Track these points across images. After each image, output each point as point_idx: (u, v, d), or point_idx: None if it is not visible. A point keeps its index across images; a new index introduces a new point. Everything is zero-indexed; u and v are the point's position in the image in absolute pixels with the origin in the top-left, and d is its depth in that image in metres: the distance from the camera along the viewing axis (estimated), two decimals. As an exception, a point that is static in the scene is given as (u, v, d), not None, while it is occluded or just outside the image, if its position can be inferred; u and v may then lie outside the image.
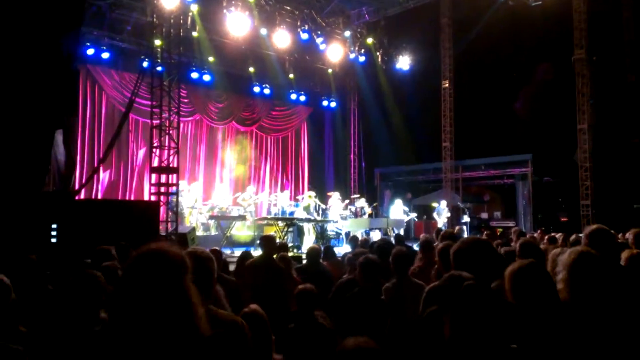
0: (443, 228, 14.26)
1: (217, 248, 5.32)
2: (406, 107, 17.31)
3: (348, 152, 19.15)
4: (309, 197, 13.31)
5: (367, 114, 18.62)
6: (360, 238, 8.54)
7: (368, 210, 14.37)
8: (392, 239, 8.17)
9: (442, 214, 14.85)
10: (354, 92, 19.03)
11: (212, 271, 2.22)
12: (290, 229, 12.06)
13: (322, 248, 6.22)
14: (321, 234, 12.66)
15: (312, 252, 5.55)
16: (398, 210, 14.56)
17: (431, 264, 4.20)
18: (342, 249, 11.08)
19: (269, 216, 12.66)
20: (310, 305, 3.37)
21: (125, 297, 1.57)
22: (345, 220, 13.60)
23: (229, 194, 14.32)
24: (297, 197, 14.74)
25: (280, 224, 11.57)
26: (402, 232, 13.38)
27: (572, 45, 13.82)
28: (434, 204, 15.33)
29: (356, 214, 14.38)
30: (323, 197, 14.74)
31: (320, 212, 13.55)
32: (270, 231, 11.68)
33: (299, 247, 11.65)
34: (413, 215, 15.27)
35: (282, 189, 16.40)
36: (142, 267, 1.61)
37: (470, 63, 16.33)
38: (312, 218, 12.79)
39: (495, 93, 16.81)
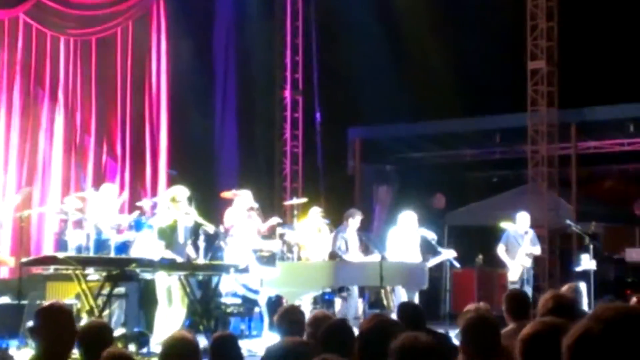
0: (525, 285, 14.92)
1: None
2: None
3: (278, 81, 19.61)
4: (172, 203, 13.21)
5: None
6: (308, 314, 8.81)
7: (330, 236, 14.84)
8: (394, 316, 8.46)
9: (515, 248, 15.57)
10: None
11: None
12: (121, 289, 12.27)
13: (210, 343, 6.70)
14: (204, 304, 12.75)
15: (176, 353, 5.73)
16: (410, 239, 15.05)
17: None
18: (261, 343, 11.30)
19: (61, 254, 12.34)
20: None
21: None
22: (269, 264, 13.95)
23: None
24: (138, 204, 15.12)
25: (92, 275, 11.71)
26: (417, 299, 13.67)
27: None
28: (503, 224, 15.99)
29: (294, 252, 14.62)
30: (211, 204, 15.13)
31: (204, 242, 13.43)
32: (66, 295, 11.75)
33: (143, 339, 11.76)
34: (449, 252, 15.75)
35: (98, 181, 16.24)
36: None
37: None
38: (181, 260, 12.78)
39: None
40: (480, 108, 18.88)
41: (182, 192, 13.25)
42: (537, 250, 15.78)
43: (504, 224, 15.89)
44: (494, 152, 20.26)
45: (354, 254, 14.81)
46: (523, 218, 15.65)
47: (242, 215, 14.30)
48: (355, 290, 14.71)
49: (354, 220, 15.02)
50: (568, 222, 16.82)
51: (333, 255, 14.36)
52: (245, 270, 13.31)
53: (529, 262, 15.50)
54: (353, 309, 14.68)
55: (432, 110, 19.13)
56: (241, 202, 14.41)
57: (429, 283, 14.95)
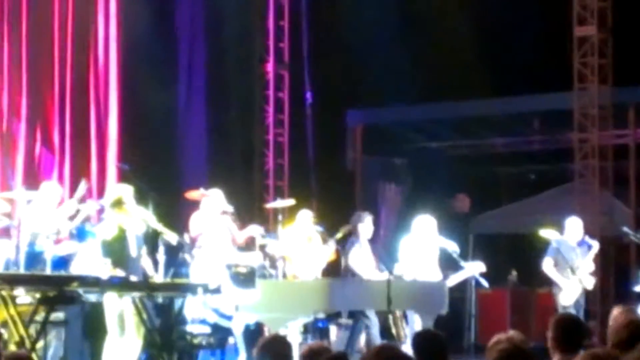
0: (577, 311, 14.94)
1: None
2: None
3: (258, 51, 19.93)
4: (116, 209, 13.18)
5: None
6: (296, 346, 9.10)
7: (329, 249, 15.14)
8: (407, 348, 8.70)
9: (565, 264, 15.53)
10: None
11: None
12: (60, 315, 12.42)
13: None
14: (164, 334, 12.72)
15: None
16: (426, 252, 15.19)
17: None
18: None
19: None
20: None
21: None
22: (246, 283, 14.06)
23: None
24: (78, 198, 14.80)
25: (23, 297, 11.73)
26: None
27: None
28: (543, 232, 16.00)
29: (278, 267, 14.62)
30: (174, 206, 15.40)
31: (164, 256, 13.44)
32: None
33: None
34: (474, 267, 15.75)
35: (30, 178, 16.43)
36: None
37: None
38: (135, 279, 12.70)
39: None
40: (513, 86, 18.90)
41: (126, 191, 13.22)
42: (588, 265, 15.67)
43: (544, 232, 15.78)
44: (532, 142, 20.41)
45: (370, 271, 14.83)
46: (574, 225, 15.63)
47: (213, 221, 14.30)
48: (373, 315, 14.48)
49: (364, 226, 15.10)
50: (625, 229, 16.72)
51: (345, 271, 14.58)
52: (216, 290, 13.13)
53: (592, 284, 15.48)
54: (375, 339, 14.42)
55: (453, 88, 19.20)
56: (211, 204, 14.42)
57: (450, 306, 14.97)
